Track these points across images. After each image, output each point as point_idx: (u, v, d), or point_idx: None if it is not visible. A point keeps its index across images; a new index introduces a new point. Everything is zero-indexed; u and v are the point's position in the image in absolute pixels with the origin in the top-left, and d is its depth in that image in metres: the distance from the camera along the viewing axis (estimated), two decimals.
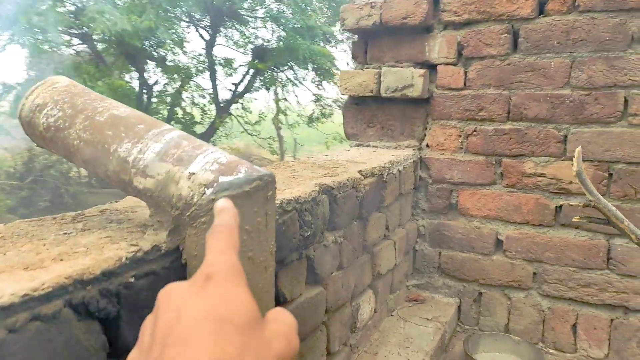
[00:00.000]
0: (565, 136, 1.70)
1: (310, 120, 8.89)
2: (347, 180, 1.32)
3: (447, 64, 1.85)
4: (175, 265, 0.72)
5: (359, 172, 1.42)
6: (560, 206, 1.73)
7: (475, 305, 1.89)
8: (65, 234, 0.75)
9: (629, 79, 1.60)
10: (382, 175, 1.56)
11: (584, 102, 1.67)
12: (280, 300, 1.04)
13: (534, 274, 1.79)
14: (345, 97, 2.03)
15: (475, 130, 1.82)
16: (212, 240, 0.40)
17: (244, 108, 9.62)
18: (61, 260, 0.64)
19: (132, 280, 0.66)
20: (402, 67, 1.88)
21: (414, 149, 1.90)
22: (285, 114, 9.32)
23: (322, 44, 9.25)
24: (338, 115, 8.65)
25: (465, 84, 1.83)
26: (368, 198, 1.47)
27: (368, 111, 1.98)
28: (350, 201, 1.35)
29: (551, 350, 1.77)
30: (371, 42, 1.97)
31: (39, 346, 0.54)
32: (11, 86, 7.56)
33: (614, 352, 1.69)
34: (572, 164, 1.14)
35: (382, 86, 1.87)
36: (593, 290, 1.70)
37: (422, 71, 1.82)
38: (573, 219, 1.20)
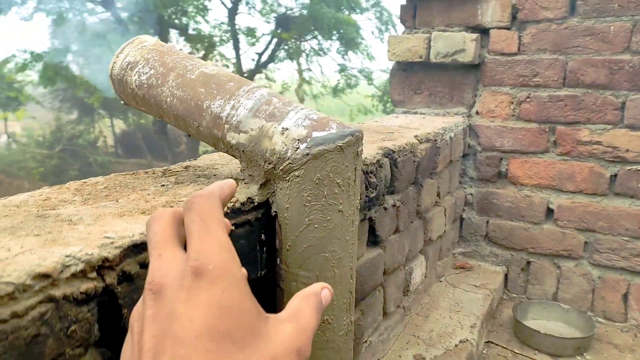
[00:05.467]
0: (624, 103, 1.65)
1: (335, 90, 8.81)
2: (406, 144, 1.31)
3: (501, 27, 1.79)
4: (266, 216, 0.73)
5: (415, 137, 1.41)
6: (615, 175, 1.69)
7: (523, 273, 1.89)
8: (163, 185, 0.77)
9: None
10: (435, 141, 1.54)
11: None
12: None
13: (586, 243, 1.77)
14: (388, 65, 2.00)
15: (528, 97, 1.78)
16: (192, 217, 0.34)
17: (267, 78, 9.59)
18: (171, 207, 0.66)
19: (232, 228, 0.68)
20: (452, 31, 1.84)
21: (463, 116, 1.87)
22: (310, 84, 9.25)
23: (346, 12, 9.10)
24: (364, 86, 8.54)
25: (519, 49, 1.78)
26: (423, 163, 1.46)
27: (415, 77, 1.95)
28: (409, 165, 1.34)
29: (600, 319, 1.76)
30: (420, 5, 1.92)
31: None
32: (39, 55, 7.59)
33: None
34: None
35: (431, 51, 1.83)
36: None
37: (474, 35, 1.77)
38: None
